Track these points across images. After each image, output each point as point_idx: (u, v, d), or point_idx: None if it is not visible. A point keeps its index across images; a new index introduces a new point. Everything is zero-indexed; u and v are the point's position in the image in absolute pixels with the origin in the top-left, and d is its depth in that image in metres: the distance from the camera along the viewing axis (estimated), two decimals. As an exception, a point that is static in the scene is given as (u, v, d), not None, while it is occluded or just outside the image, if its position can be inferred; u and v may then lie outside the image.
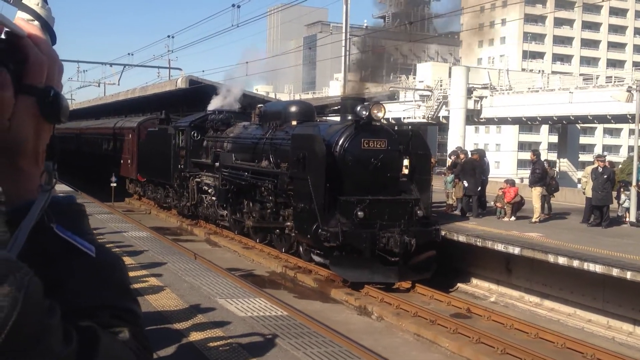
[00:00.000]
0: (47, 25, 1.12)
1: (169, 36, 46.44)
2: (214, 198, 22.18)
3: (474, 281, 16.20)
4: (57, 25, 1.12)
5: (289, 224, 16.90)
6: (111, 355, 0.96)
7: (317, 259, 15.90)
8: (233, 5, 33.51)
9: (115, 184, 26.91)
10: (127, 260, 12.22)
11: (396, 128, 19.09)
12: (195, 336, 7.48)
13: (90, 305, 1.01)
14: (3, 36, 0.99)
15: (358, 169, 15.34)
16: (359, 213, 14.71)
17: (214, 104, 25.93)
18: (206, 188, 22.86)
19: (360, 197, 15.06)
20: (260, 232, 19.22)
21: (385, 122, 16.62)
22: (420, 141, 16.68)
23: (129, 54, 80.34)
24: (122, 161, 32.34)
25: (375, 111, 15.28)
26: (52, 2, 1.17)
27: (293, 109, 19.15)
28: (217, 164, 21.57)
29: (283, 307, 10.27)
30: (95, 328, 0.95)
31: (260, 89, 73.92)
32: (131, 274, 10.89)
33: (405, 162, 16.20)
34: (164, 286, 10.10)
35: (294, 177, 15.96)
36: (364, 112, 15.19)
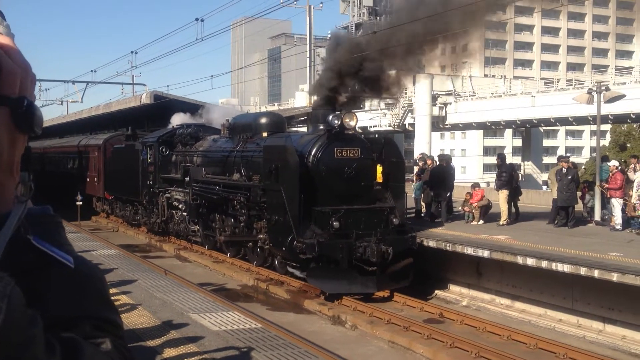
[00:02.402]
0: None
1: (132, 52, 46.21)
2: (184, 213, 21.90)
3: (445, 286, 16.30)
4: (17, 43, 1.11)
5: (261, 236, 16.72)
6: None
7: (295, 272, 15.71)
8: (196, 19, 33.56)
9: (81, 203, 26.54)
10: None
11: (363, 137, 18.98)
12: (169, 352, 7.42)
13: (71, 316, 1.00)
14: None
15: (332, 179, 15.22)
16: (334, 223, 14.58)
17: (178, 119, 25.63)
18: (176, 204, 22.56)
19: (334, 207, 14.94)
20: (233, 246, 18.95)
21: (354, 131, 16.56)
22: (393, 148, 16.62)
23: (91, 70, 79.55)
24: (88, 179, 31.92)
25: (347, 120, 15.15)
26: (13, 21, 1.16)
27: (263, 120, 18.93)
28: (187, 178, 21.30)
29: (257, 320, 10.23)
30: (77, 339, 0.95)
31: (225, 102, 73.71)
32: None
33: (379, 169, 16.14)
34: (135, 304, 10.00)
35: (266, 189, 15.79)
36: (336, 121, 15.05)
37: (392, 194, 15.83)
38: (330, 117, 15.15)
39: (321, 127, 15.80)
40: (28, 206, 1.03)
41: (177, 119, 25.46)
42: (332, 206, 14.98)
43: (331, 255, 14.38)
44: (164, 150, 23.54)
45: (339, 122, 15.07)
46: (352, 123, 15.39)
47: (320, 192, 15.16)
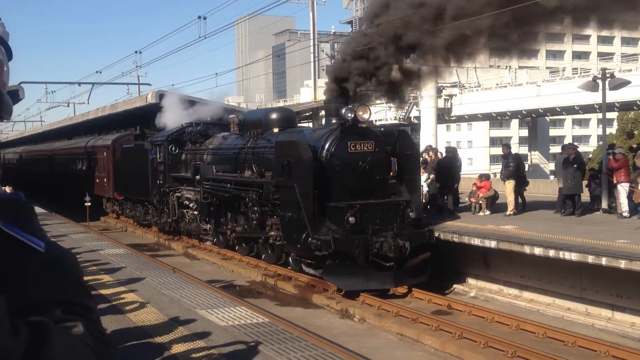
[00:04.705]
0: (1, 40, 1.13)
1: (136, 52, 46.03)
2: (195, 212, 21.78)
3: (455, 278, 16.27)
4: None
5: (273, 233, 16.53)
6: (64, 349, 0.96)
7: (309, 270, 15.60)
8: (199, 17, 33.49)
9: (89, 204, 26.62)
10: (105, 277, 12.16)
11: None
12: (177, 348, 7.46)
13: (41, 300, 1.01)
14: None
15: (346, 173, 14.95)
16: (350, 219, 14.33)
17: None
18: (187, 202, 22.44)
19: (349, 202, 14.71)
20: (245, 243, 18.80)
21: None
22: (407, 141, 16.37)
23: (97, 72, 79.29)
24: (97, 180, 32.00)
25: (360, 113, 14.85)
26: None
27: (274, 116, 18.57)
28: (197, 177, 21.19)
29: (264, 314, 10.27)
30: (46, 322, 0.95)
31: (231, 100, 73.81)
32: (110, 290, 10.86)
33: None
34: (143, 301, 10.06)
35: (279, 186, 15.54)
36: (349, 115, 14.74)
37: (407, 188, 15.60)
38: (344, 111, 14.82)
39: (334, 121, 15.56)
40: None
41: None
42: (347, 201, 14.73)
43: (347, 252, 14.14)
44: (173, 149, 23.43)
45: (353, 115, 14.78)
46: (366, 116, 15.10)
47: (334, 187, 14.91)
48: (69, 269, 1.10)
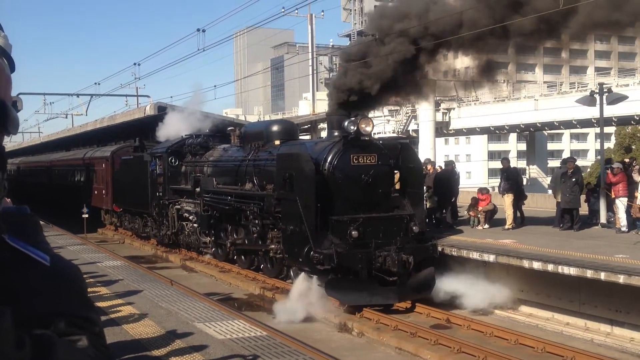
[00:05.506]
0: (4, 52, 1.12)
1: (135, 64, 46.04)
2: (195, 225, 21.67)
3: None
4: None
5: (273, 246, 16.41)
6: None
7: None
8: (198, 30, 33.63)
9: (87, 215, 26.54)
10: (102, 289, 12.11)
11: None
12: (174, 362, 7.42)
13: (45, 313, 1.00)
14: None
15: (349, 186, 14.85)
16: (353, 232, 14.21)
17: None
18: (187, 215, 22.32)
19: (352, 215, 14.60)
20: (245, 256, 18.64)
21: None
22: (410, 154, 16.30)
23: (95, 83, 79.35)
24: (95, 192, 31.91)
25: (363, 125, 14.77)
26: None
27: (275, 128, 18.44)
28: (197, 189, 21.07)
29: (262, 328, 10.22)
30: (51, 335, 0.95)
31: (229, 112, 73.92)
32: (107, 303, 10.81)
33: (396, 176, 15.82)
34: (140, 314, 10.01)
35: (281, 199, 15.41)
36: (352, 127, 14.67)
37: (410, 201, 15.49)
38: (346, 123, 14.75)
39: (336, 134, 15.47)
40: (4, 205, 1.04)
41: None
42: (349, 215, 14.62)
43: (350, 266, 14.01)
44: (173, 161, 23.28)
45: (355, 128, 14.70)
46: (369, 129, 15.02)
47: (337, 200, 14.80)
48: (73, 282, 1.10)
